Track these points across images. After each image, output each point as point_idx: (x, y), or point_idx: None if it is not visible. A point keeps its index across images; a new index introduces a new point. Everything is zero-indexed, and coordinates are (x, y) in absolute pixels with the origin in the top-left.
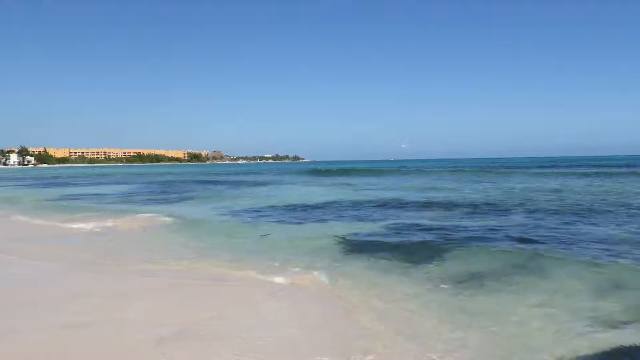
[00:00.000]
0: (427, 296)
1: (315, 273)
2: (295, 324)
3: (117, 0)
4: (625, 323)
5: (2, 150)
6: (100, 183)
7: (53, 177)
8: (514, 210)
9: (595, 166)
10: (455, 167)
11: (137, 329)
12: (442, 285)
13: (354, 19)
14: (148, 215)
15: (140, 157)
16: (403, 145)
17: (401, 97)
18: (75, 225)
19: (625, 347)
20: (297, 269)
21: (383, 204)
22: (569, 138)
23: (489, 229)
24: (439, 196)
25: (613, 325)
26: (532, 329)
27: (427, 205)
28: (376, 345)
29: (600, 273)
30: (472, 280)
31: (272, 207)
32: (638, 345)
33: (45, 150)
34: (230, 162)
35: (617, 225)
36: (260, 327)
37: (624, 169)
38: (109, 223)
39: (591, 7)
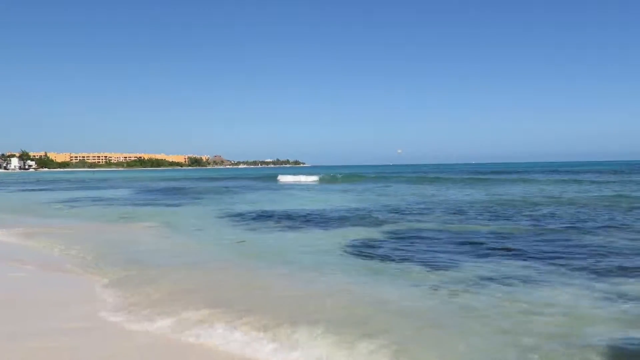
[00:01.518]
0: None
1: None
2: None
3: (118, 4)
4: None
5: (3, 155)
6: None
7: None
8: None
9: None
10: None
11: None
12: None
13: (354, 22)
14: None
15: (140, 162)
16: (399, 151)
17: (400, 101)
18: None
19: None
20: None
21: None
22: (571, 143)
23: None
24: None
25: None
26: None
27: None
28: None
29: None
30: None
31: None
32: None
33: (46, 155)
34: (231, 166)
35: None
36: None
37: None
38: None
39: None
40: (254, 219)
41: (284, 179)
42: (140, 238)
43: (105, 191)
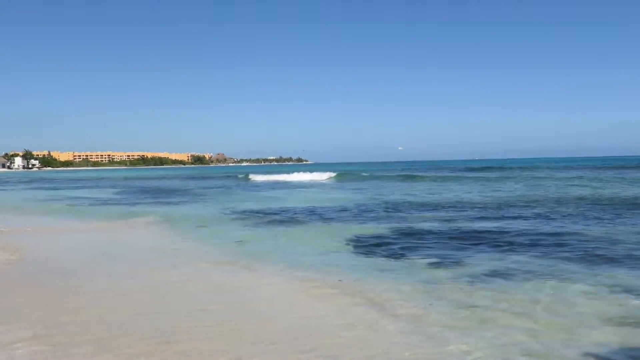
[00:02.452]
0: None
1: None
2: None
3: (119, 1)
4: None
5: (6, 154)
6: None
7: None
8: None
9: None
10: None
11: None
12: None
13: (355, 19)
14: None
15: (144, 160)
16: (400, 148)
17: (400, 98)
18: None
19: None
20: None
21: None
22: (573, 139)
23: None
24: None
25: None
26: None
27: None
28: None
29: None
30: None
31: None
32: None
33: (49, 154)
34: (234, 164)
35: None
36: None
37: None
38: None
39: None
40: (245, 218)
41: (259, 178)
42: (105, 241)
43: (76, 191)
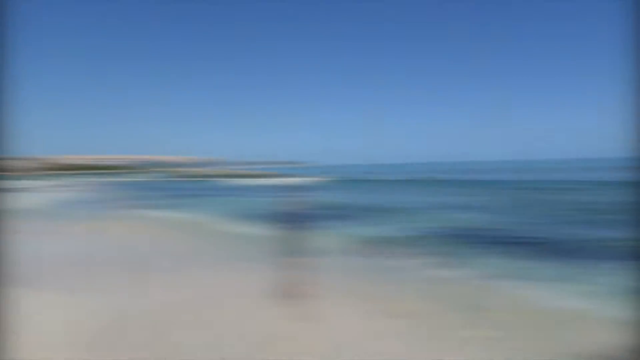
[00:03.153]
0: None
1: None
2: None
3: (120, 2)
4: None
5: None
6: None
7: None
8: None
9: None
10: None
11: None
12: None
13: (356, 20)
14: None
15: (144, 163)
16: (388, 152)
17: (400, 101)
18: None
19: None
20: None
21: None
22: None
23: None
24: None
25: None
26: None
27: None
28: None
29: None
30: None
31: None
32: None
33: (50, 158)
34: (232, 167)
35: None
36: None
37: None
38: None
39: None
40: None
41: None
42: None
43: None
